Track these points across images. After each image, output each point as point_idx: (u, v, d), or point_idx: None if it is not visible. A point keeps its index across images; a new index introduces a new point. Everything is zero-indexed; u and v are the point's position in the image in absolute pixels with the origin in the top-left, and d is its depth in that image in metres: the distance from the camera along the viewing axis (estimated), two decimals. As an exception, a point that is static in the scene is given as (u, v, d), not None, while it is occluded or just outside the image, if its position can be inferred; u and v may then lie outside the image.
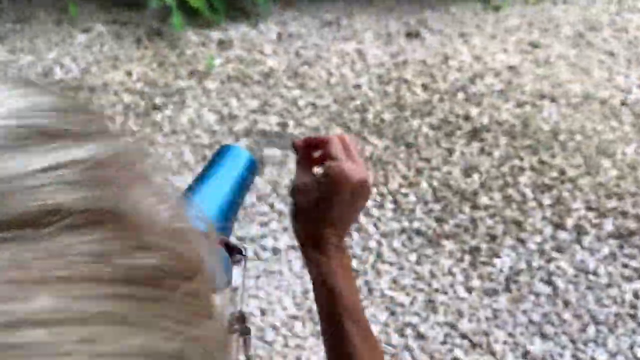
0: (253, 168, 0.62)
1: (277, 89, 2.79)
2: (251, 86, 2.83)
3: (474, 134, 2.49)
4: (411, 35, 3.15)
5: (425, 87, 2.77)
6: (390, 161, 2.38)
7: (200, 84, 2.88)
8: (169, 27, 3.27)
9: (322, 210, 0.62)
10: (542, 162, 2.35)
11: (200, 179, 0.61)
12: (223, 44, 3.18)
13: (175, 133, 2.57)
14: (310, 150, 0.66)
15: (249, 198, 2.22)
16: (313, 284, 0.63)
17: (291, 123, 2.58)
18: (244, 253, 0.42)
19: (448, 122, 2.56)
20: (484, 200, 2.20)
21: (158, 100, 2.76)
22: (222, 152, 0.63)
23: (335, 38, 3.17)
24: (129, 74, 2.96)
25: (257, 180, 2.29)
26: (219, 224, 0.59)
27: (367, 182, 0.62)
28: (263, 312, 1.84)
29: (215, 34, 3.25)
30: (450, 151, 2.42)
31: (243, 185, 0.61)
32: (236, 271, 0.40)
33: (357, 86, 2.79)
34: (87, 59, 3.08)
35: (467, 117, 2.58)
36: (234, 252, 0.42)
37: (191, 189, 0.60)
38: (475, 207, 2.18)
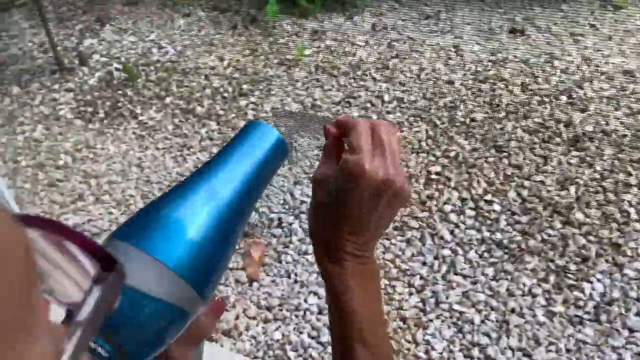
0: (282, 149, 0.53)
1: (363, 81, 2.69)
2: (338, 77, 2.75)
3: (575, 143, 2.24)
4: (515, 32, 2.91)
5: (524, 87, 2.54)
6: (477, 164, 2.20)
7: (288, 73, 2.84)
8: (265, 15, 3.28)
9: (338, 210, 0.51)
10: (653, 179, 2.07)
11: (222, 154, 0.53)
12: (316, 34, 3.13)
13: (256, 119, 2.55)
14: (341, 136, 0.55)
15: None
16: (327, 298, 0.53)
17: (374, 116, 2.47)
18: (116, 268, 0.27)
19: (546, 127, 2.33)
20: (578, 216, 1.97)
21: (245, 87, 2.76)
22: (248, 128, 0.55)
23: (432, 31, 3.01)
24: (222, 59, 2.99)
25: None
26: (237, 205, 0.50)
27: (395, 184, 0.49)
28: (320, 311, 1.76)
29: (310, 24, 3.21)
30: (546, 159, 2.19)
31: (268, 166, 0.53)
32: (95, 294, 0.26)
33: (450, 82, 2.63)
34: (184, 42, 3.15)
35: (568, 124, 2.33)
36: (102, 262, 0.27)
37: (210, 164, 0.51)
38: (567, 222, 1.96)
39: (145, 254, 0.46)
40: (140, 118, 2.62)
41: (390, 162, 0.49)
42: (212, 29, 3.28)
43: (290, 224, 2.06)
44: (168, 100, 2.71)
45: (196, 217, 0.49)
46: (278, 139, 0.53)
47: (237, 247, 2.02)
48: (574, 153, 2.20)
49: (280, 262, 1.94)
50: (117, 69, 2.93)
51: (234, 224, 0.51)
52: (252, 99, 2.68)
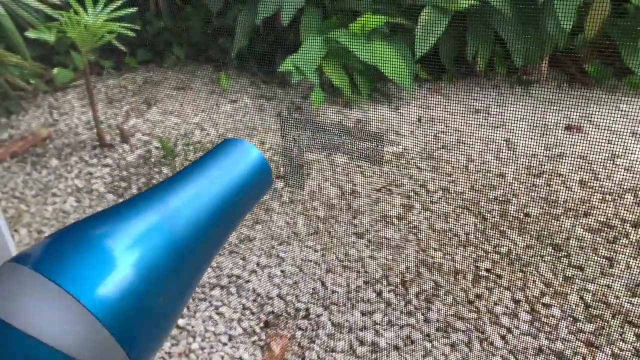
0: (264, 171, 0.44)
1: (407, 170, 2.55)
2: (381, 164, 2.62)
3: (646, 245, 1.99)
4: (571, 128, 2.76)
5: (583, 183, 2.34)
6: (532, 262, 1.96)
7: (329, 158, 2.74)
8: (310, 104, 3.26)
9: None
10: None
11: (185, 172, 0.41)
12: (359, 123, 3.06)
13: (292, 202, 2.42)
14: None
15: (359, 281, 1.94)
16: None
17: (417, 206, 2.29)
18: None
19: (611, 227, 2.09)
20: (656, 329, 1.68)
21: (283, 170, 2.66)
22: (221, 146, 0.45)
23: (482, 125, 2.89)
24: (262, 142, 2.94)
25: (369, 262, 2.01)
26: (199, 236, 0.37)
27: None
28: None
29: (354, 114, 3.16)
30: (612, 261, 1.94)
31: (245, 191, 0.43)
32: None
33: (501, 175, 2.45)
34: (227, 126, 3.14)
35: (637, 224, 2.09)
36: None
37: (168, 182, 0.40)
38: (643, 336, 1.66)
39: (49, 282, 0.29)
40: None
41: None
42: (257, 114, 3.27)
43: (319, 316, 1.84)
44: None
45: (138, 246, 0.34)
46: (261, 158, 0.43)
47: (257, 338, 1.80)
48: (646, 256, 1.93)
49: (303, 359, 1.70)
50: (156, 147, 2.91)
51: (191, 262, 0.36)
52: (290, 181, 2.56)
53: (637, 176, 2.36)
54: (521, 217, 2.19)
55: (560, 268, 1.93)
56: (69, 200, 2.54)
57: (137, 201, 0.36)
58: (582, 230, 2.09)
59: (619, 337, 1.66)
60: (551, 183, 2.36)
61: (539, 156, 2.56)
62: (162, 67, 3.92)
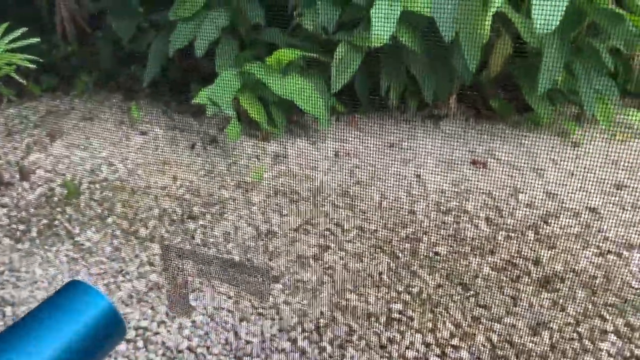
0: (112, 320, 0.41)
1: (323, 208, 2.56)
2: (298, 202, 2.62)
3: (546, 283, 2.09)
4: (477, 163, 2.88)
5: (489, 221, 2.44)
6: (442, 303, 2.01)
7: (245, 196, 2.70)
8: (225, 136, 3.20)
9: None
10: (630, 326, 1.90)
11: (27, 319, 0.39)
12: (278, 158, 3.05)
13: (205, 245, 2.35)
14: None
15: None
16: None
17: (332, 246, 2.30)
18: None
19: (514, 265, 2.19)
20: (555, 367, 1.76)
21: (196, 209, 2.59)
22: (70, 287, 0.39)
23: (395, 160, 2.96)
24: (175, 178, 2.85)
25: (284, 308, 1.98)
26: None
27: None
28: None
29: (272, 147, 3.14)
30: (515, 300, 2.02)
31: (95, 339, 0.39)
32: None
33: (412, 212, 2.51)
34: (137, 161, 3.02)
35: (537, 261, 2.20)
36: None
37: (18, 330, 0.37)
38: (543, 374, 1.74)
39: None
40: (77, 239, 2.38)
41: None
42: (169, 147, 3.17)
43: (231, 369, 1.78)
44: (110, 220, 2.50)
45: None
46: (109, 306, 0.41)
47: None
48: (545, 295, 2.04)
49: (214, 417, 1.64)
50: (60, 185, 2.74)
51: None
52: (202, 222, 2.49)
53: (537, 212, 2.50)
54: (431, 255, 2.24)
55: (468, 307, 1.99)
56: (-42, 247, 2.34)
57: None
58: (488, 268, 2.17)
59: (522, 378, 1.73)
60: (459, 220, 2.45)
61: (446, 192, 2.65)
62: (69, 95, 3.72)
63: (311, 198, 2.66)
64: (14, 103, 3.60)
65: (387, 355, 1.81)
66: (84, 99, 3.67)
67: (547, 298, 2.02)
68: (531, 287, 2.07)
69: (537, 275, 2.12)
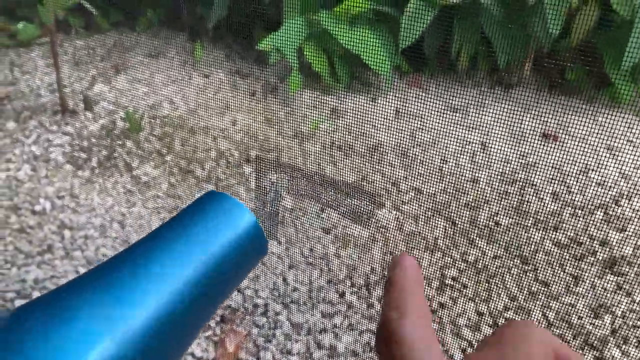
0: (257, 238, 0.38)
1: (380, 165, 2.49)
2: (352, 157, 2.55)
3: (611, 265, 1.98)
4: (548, 136, 2.73)
5: (556, 196, 2.32)
6: (498, 274, 1.93)
7: (301, 146, 2.66)
8: (286, 86, 3.15)
9: None
10: (702, 321, 1.78)
11: (175, 227, 0.36)
12: (336, 112, 2.98)
13: (258, 189, 2.33)
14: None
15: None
16: None
17: (387, 204, 2.24)
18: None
19: (579, 243, 2.07)
20: (615, 353, 1.67)
21: (253, 154, 2.57)
22: (216, 200, 0.38)
23: (459, 125, 2.84)
24: (234, 122, 2.82)
25: (333, 260, 1.95)
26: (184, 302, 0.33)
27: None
28: None
29: (331, 101, 3.07)
30: (577, 279, 1.92)
31: (240, 257, 0.37)
32: None
33: (474, 180, 2.41)
34: (198, 101, 3.01)
35: (604, 242, 2.08)
36: None
37: (159, 240, 0.35)
38: (601, 359, 1.65)
39: None
40: (135, 172, 2.41)
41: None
42: (230, 92, 3.14)
43: (277, 314, 1.77)
44: (169, 157, 2.51)
45: (118, 319, 0.31)
46: (256, 225, 0.38)
47: (212, 333, 1.73)
48: (610, 277, 1.92)
49: (258, 359, 1.64)
50: (122, 118, 2.77)
51: (176, 333, 0.33)
52: (256, 167, 2.47)
53: (609, 192, 2.35)
54: (491, 225, 2.15)
55: (525, 282, 1.90)
56: (23, 168, 2.40)
57: (111, 268, 0.32)
58: (550, 244, 2.06)
59: (578, 360, 1.64)
60: (524, 192, 2.33)
61: (512, 163, 2.52)
62: (135, 31, 3.73)
63: (367, 154, 2.59)
64: (81, 34, 3.63)
65: (437, 319, 1.76)
66: (150, 35, 3.67)
67: (611, 281, 1.91)
68: (595, 268, 1.96)
69: (603, 256, 2.00)
